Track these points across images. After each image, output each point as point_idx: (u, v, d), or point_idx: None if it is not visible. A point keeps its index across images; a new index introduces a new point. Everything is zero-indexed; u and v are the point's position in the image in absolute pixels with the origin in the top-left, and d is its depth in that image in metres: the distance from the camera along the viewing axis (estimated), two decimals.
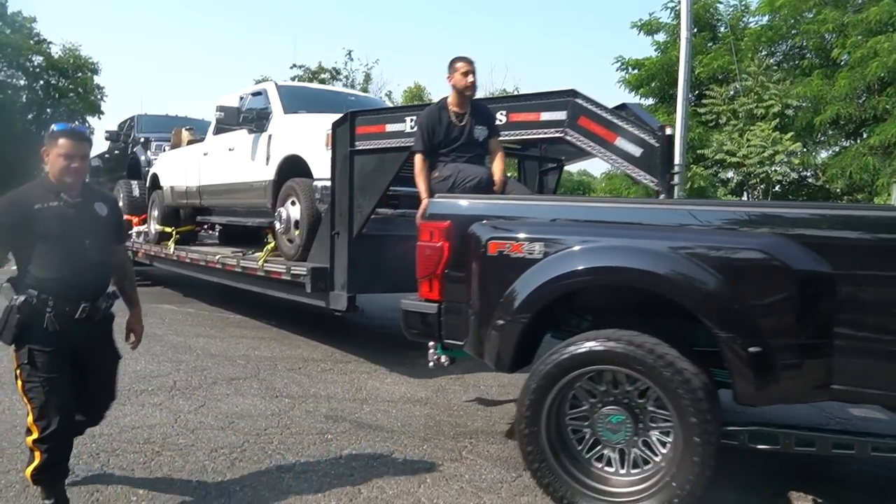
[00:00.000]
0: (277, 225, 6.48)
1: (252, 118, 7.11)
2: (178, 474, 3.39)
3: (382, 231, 5.76)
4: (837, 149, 17.01)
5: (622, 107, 5.40)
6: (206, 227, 10.88)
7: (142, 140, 11.89)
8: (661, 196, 4.21)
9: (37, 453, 2.79)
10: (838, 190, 15.90)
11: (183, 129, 10.37)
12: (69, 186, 2.90)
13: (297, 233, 6.21)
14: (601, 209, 3.53)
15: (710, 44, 18.83)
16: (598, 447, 3.10)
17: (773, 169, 15.80)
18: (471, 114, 4.68)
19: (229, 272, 7.35)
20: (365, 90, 28.22)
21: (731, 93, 17.36)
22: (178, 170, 9.25)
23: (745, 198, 16.75)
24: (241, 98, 7.78)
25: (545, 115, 4.48)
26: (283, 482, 3.35)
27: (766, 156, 15.47)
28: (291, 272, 5.94)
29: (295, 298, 6.25)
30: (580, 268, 3.07)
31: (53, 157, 2.83)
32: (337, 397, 4.87)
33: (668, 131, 4.15)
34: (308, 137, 6.25)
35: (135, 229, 10.60)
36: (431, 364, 3.92)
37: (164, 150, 10.80)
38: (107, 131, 13.14)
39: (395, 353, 6.43)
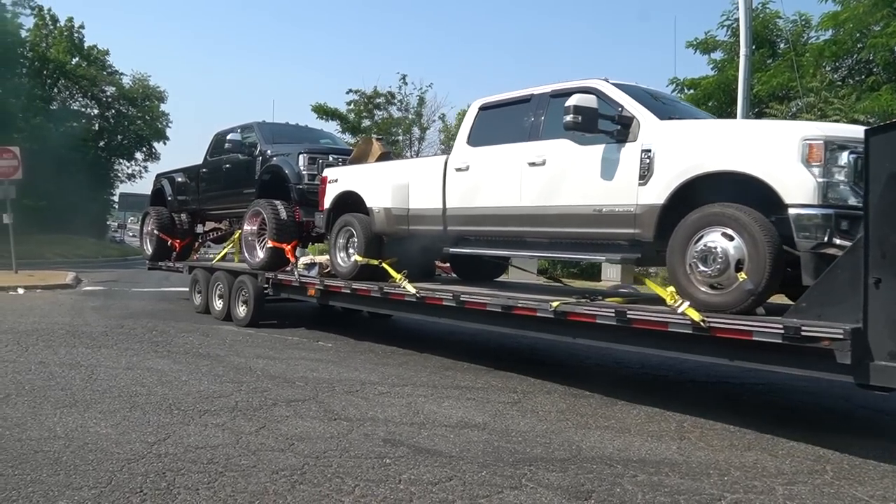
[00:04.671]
0: (697, 264, 4.92)
1: (613, 124, 5.59)
2: (241, 495, 3.43)
3: None
4: None
5: None
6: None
7: (269, 153, 10.20)
8: None
9: None
10: None
11: (373, 139, 9.45)
12: None
13: (739, 276, 4.69)
14: None
15: (769, 60, 18.38)
16: None
17: None
18: None
19: (585, 323, 5.52)
20: (419, 114, 28.60)
21: (793, 110, 16.86)
22: (396, 188, 7.58)
23: None
24: (526, 100, 6.49)
25: None
26: None
27: None
28: (801, 332, 4.20)
29: (776, 370, 4.73)
30: None
31: None
32: (395, 421, 4.87)
33: None
34: (767, 151, 4.73)
35: (301, 261, 9.29)
36: None
37: (320, 164, 9.45)
38: (229, 140, 10.83)
39: (451, 378, 6.42)
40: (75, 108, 45.88)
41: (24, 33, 38.77)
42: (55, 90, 43.35)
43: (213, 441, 4.25)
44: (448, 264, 9.58)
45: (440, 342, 8.94)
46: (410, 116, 28.80)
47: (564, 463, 4.06)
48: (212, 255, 14.30)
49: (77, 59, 43.68)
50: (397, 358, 7.42)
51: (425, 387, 6.02)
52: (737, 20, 16.69)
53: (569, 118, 5.49)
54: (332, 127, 27.53)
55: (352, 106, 28.87)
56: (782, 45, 18.66)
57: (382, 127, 27.92)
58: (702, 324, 4.69)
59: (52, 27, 42.71)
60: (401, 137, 27.34)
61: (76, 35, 43.84)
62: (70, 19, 43.42)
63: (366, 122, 28.51)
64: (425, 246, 7.62)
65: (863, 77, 17.35)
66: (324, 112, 27.72)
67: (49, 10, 42.07)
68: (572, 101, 5.50)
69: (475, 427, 4.77)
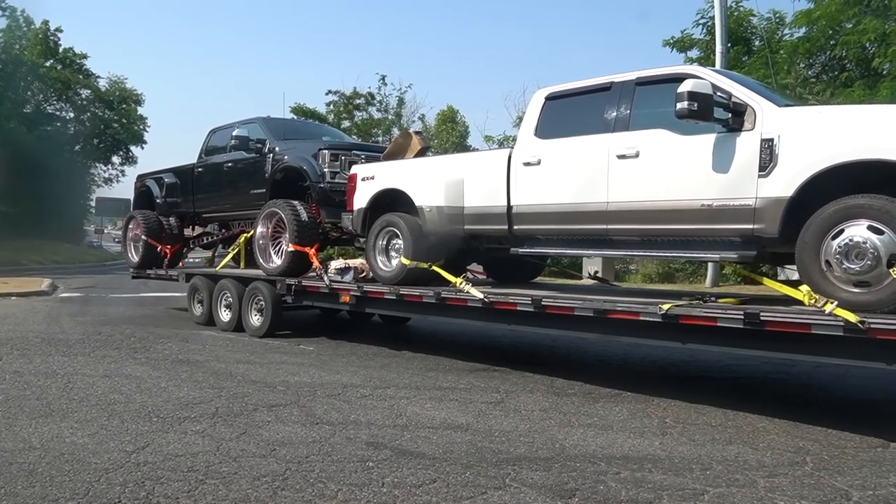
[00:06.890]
0: (841, 261, 4.56)
1: (729, 112, 5.13)
2: (223, 503, 3.38)
3: None
4: None
5: None
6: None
7: (279, 150, 9.49)
8: None
9: None
10: None
11: (412, 134, 8.96)
12: None
13: (892, 272, 4.35)
14: None
15: (744, 58, 18.58)
16: None
17: None
18: None
19: (701, 327, 5.05)
20: (399, 115, 28.55)
21: None
22: (450, 185, 7.04)
23: None
24: (606, 88, 6.03)
25: None
26: None
27: None
28: None
29: None
30: None
31: None
32: (377, 424, 4.84)
33: None
34: None
35: (333, 265, 8.71)
36: None
37: (343, 161, 8.86)
38: (235, 136, 9.76)
39: (434, 379, 6.40)
40: (50, 111, 45.25)
41: None
42: (28, 93, 42.72)
43: (193, 448, 4.19)
44: (480, 267, 9.08)
45: (423, 342, 8.92)
46: (390, 117, 28.78)
47: (548, 462, 4.06)
48: (194, 261, 14.06)
49: (52, 61, 43.06)
50: (379, 360, 7.39)
51: (408, 388, 5.99)
52: (712, 18, 16.89)
53: (683, 105, 4.99)
54: None
55: (331, 107, 28.79)
56: (757, 43, 18.88)
57: (363, 128, 27.85)
58: (860, 325, 4.21)
59: (25, 29, 42.04)
60: (381, 138, 27.27)
61: (52, 38, 43.22)
62: (45, 22, 42.85)
63: (346, 124, 28.43)
64: (459, 248, 7.29)
65: (836, 73, 17.60)
66: (303, 113, 27.57)
67: (23, 11, 41.44)
68: (686, 86, 5.03)
69: (458, 428, 4.76)
